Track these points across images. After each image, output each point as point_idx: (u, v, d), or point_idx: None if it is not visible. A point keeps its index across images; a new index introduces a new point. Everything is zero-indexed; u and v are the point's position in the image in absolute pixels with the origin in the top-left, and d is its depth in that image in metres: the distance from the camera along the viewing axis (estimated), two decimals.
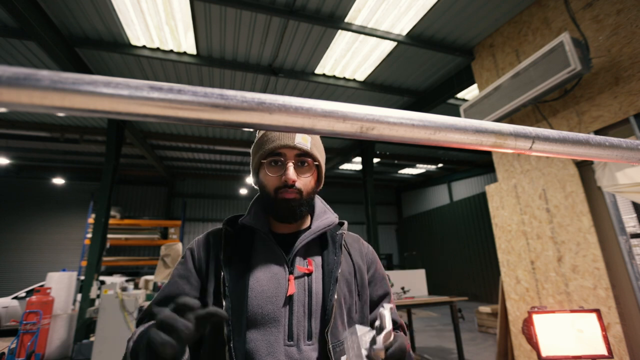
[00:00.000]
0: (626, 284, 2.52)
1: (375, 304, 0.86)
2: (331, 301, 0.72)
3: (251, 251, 0.80)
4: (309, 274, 0.77)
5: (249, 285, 0.73)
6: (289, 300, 0.73)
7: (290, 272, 0.76)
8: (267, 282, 0.74)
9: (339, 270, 0.77)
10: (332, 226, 0.85)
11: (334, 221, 0.85)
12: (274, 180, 0.78)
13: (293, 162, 0.78)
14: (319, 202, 0.90)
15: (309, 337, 0.71)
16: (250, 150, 0.87)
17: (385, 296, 0.88)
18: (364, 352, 0.57)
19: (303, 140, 0.78)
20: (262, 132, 0.83)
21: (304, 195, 0.79)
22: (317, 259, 0.80)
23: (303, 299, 0.74)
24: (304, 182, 0.80)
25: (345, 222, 0.91)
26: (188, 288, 0.76)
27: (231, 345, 0.67)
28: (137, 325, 0.75)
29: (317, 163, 0.82)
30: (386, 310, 0.61)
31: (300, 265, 0.77)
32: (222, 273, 0.74)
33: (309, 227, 0.84)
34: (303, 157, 0.79)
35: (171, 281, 0.78)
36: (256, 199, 0.88)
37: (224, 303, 0.71)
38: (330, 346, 0.70)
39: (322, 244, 0.83)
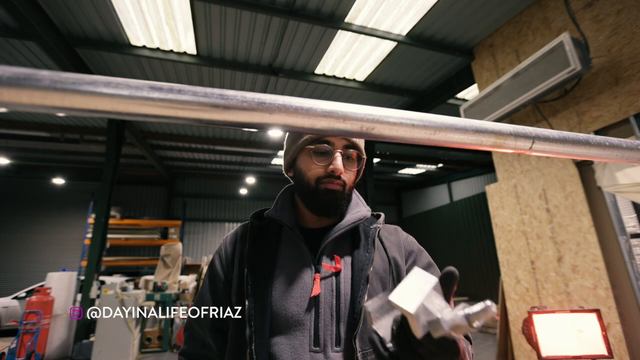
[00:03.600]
0: (626, 284, 2.52)
1: None
2: (360, 303, 0.65)
3: (278, 247, 0.74)
4: (337, 273, 0.70)
5: (273, 284, 0.69)
6: (315, 302, 0.67)
7: (317, 271, 0.70)
8: (292, 281, 0.69)
9: (371, 268, 0.70)
10: (364, 220, 0.78)
11: (365, 215, 0.78)
12: (317, 170, 0.73)
13: (341, 153, 0.73)
14: (354, 196, 0.83)
15: (337, 343, 0.64)
16: (285, 138, 0.83)
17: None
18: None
19: None
20: None
21: (347, 189, 0.74)
22: (348, 257, 0.73)
23: (330, 300, 0.67)
24: (349, 175, 0.75)
25: (382, 215, 0.83)
26: (214, 296, 0.77)
27: (252, 347, 0.63)
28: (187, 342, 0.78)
29: (362, 157, 0.78)
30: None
31: (327, 264, 0.71)
32: (246, 270, 0.70)
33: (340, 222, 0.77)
34: (350, 150, 0.74)
35: (202, 287, 0.80)
36: (285, 190, 0.84)
37: (246, 303, 0.67)
38: (359, 354, 0.62)
39: (354, 239, 0.76)
